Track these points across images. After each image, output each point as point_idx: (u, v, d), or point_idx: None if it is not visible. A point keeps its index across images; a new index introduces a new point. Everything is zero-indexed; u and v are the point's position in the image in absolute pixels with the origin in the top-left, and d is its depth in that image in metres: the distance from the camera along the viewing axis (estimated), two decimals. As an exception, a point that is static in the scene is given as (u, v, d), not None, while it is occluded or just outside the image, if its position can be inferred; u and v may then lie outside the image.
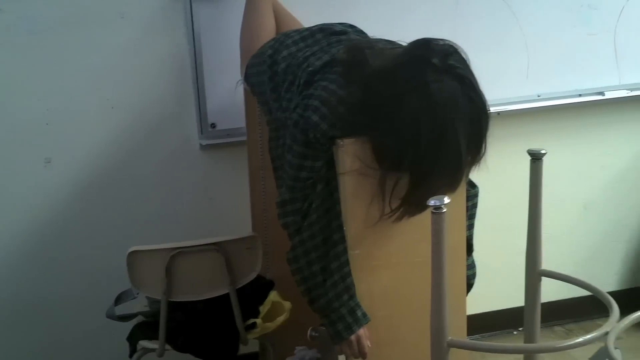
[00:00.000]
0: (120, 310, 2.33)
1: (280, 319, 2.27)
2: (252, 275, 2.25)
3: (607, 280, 3.31)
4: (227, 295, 2.22)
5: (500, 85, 2.84)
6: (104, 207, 2.67)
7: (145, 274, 2.20)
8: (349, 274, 1.87)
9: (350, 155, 1.79)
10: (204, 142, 2.67)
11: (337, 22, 2.17)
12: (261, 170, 2.46)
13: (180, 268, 2.17)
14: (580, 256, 3.24)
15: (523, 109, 2.95)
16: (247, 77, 2.25)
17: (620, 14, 2.98)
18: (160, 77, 2.62)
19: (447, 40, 1.75)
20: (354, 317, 1.88)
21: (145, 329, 2.32)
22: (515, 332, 3.18)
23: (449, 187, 1.70)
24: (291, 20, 2.47)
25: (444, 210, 1.53)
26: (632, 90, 3.08)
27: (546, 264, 2.02)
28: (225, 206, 2.76)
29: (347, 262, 1.87)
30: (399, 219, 1.77)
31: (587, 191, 3.22)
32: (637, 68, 3.06)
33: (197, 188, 2.74)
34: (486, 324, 3.12)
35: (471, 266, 2.08)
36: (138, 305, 2.34)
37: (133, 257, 2.17)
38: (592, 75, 3.02)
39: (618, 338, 1.67)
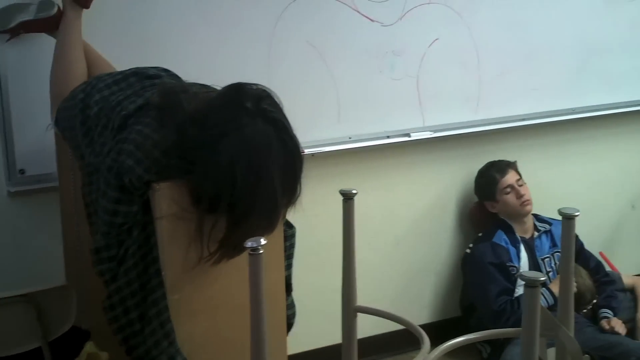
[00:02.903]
0: None
1: (98, 370, 2.20)
2: (66, 327, 2.17)
3: (419, 312, 3.45)
4: (39, 349, 2.12)
5: (313, 127, 2.93)
6: None
7: (-54, 332, 2.06)
8: (168, 319, 1.84)
9: (166, 198, 1.78)
10: (12, 189, 2.55)
11: (151, 65, 2.16)
12: (75, 217, 2.37)
13: (-14, 323, 2.06)
14: (394, 290, 3.37)
15: (335, 150, 3.05)
16: (58, 122, 2.18)
17: (422, 60, 3.17)
18: (-38, 121, 2.49)
19: (260, 84, 1.80)
20: (174, 364, 1.85)
21: (-53, 392, 2.16)
22: (336, 369, 3.23)
23: (266, 229, 1.72)
24: (104, 63, 2.43)
25: (261, 251, 1.55)
26: (434, 131, 3.27)
27: (362, 299, 2.09)
28: (37, 255, 2.63)
29: (166, 308, 1.84)
30: (218, 262, 1.78)
31: (397, 227, 3.37)
32: (438, 111, 3.25)
33: (4, 237, 2.60)
34: (308, 363, 3.16)
35: (291, 306, 2.11)
36: (-62, 366, 2.19)
37: None
38: (398, 118, 3.18)
39: (430, 368, 1.75)
